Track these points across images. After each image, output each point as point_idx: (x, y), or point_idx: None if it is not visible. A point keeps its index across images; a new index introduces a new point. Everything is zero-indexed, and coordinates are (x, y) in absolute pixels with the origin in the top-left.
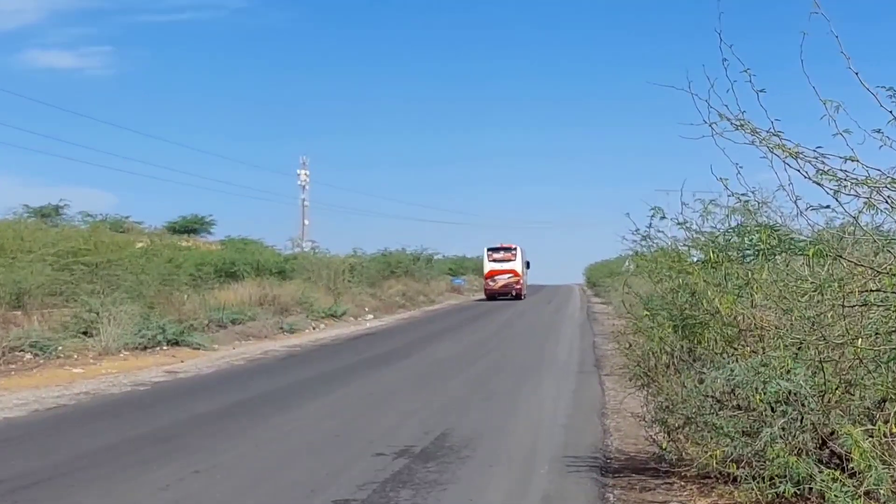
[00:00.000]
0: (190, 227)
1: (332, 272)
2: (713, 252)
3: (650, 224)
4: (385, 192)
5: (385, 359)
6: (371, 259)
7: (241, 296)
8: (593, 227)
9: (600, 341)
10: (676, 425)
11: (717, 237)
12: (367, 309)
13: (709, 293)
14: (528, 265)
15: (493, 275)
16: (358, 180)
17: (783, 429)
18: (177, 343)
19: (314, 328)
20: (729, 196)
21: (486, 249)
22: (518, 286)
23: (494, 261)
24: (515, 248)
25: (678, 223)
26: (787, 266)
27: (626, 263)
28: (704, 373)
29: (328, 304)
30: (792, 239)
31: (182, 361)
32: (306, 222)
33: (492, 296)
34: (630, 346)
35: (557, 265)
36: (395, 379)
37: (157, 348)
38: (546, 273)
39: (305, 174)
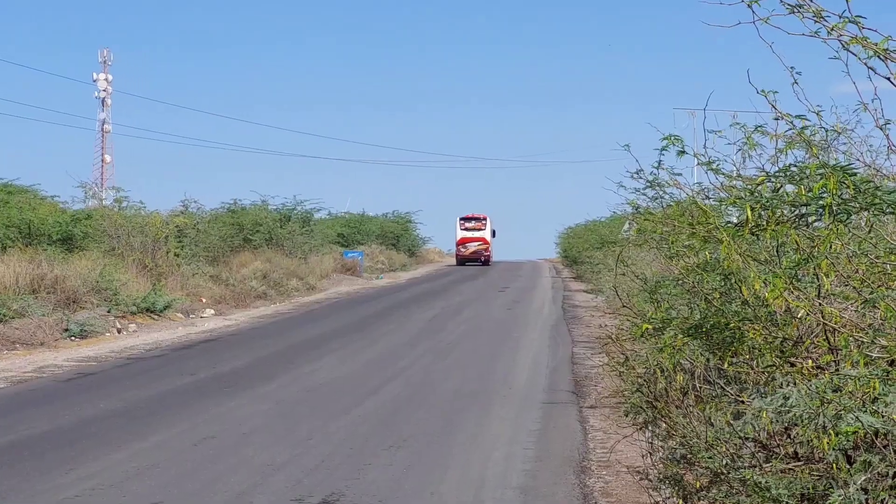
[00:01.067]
0: None
1: (150, 240)
2: (753, 208)
3: (660, 163)
4: (236, 111)
5: (234, 382)
6: (212, 218)
7: (3, 277)
8: (573, 170)
9: (582, 353)
10: (698, 485)
11: (759, 183)
12: (204, 300)
13: (750, 275)
14: (493, 234)
15: (464, 242)
16: (193, 93)
17: (865, 490)
18: None
19: (120, 331)
20: (778, 119)
21: (458, 219)
22: (487, 253)
23: (466, 229)
24: (485, 218)
25: (704, 163)
26: (873, 232)
27: (625, 226)
28: (743, 402)
29: (142, 293)
30: (877, 188)
31: None
32: (108, 159)
33: (462, 261)
34: (627, 359)
35: (518, 232)
36: (250, 414)
37: None
38: (501, 244)
39: (107, 80)
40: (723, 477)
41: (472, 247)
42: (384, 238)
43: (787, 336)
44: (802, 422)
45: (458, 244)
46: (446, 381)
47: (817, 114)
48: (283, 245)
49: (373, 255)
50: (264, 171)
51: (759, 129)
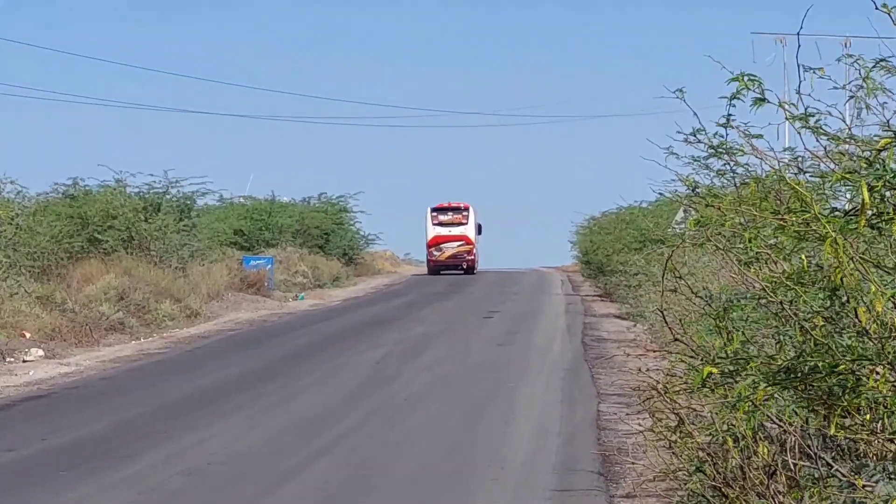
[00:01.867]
0: None
1: None
2: (872, 187)
3: (728, 118)
4: (68, 43)
5: (76, 461)
6: (40, 208)
7: None
8: (597, 130)
9: (614, 412)
10: None
11: (882, 148)
12: (29, 335)
13: (871, 290)
14: (479, 230)
15: (438, 242)
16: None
17: None
18: None
19: None
20: None
21: (429, 210)
22: (470, 256)
23: (440, 224)
24: (467, 209)
25: (797, 117)
26: None
27: (678, 215)
28: (862, 488)
29: None
30: None
31: None
32: None
33: (436, 269)
34: (682, 422)
35: (514, 227)
36: None
37: None
38: (490, 245)
39: None
40: None
41: (450, 248)
42: (306, 236)
43: None
44: None
45: (429, 245)
46: (402, 457)
47: None
48: (150, 249)
49: (289, 263)
50: (117, 133)
51: (882, 64)
